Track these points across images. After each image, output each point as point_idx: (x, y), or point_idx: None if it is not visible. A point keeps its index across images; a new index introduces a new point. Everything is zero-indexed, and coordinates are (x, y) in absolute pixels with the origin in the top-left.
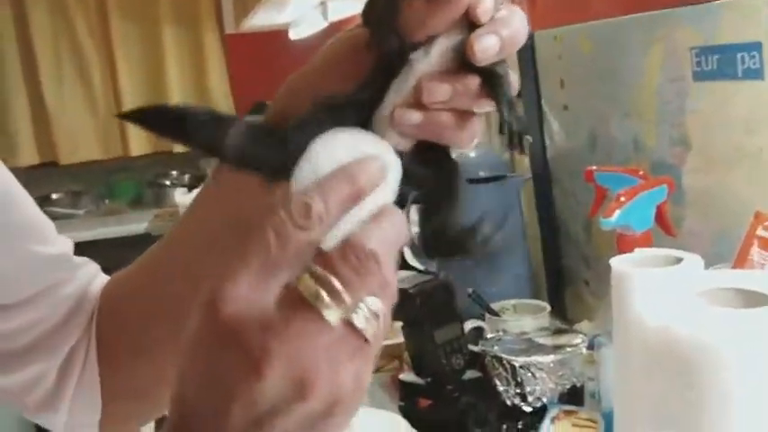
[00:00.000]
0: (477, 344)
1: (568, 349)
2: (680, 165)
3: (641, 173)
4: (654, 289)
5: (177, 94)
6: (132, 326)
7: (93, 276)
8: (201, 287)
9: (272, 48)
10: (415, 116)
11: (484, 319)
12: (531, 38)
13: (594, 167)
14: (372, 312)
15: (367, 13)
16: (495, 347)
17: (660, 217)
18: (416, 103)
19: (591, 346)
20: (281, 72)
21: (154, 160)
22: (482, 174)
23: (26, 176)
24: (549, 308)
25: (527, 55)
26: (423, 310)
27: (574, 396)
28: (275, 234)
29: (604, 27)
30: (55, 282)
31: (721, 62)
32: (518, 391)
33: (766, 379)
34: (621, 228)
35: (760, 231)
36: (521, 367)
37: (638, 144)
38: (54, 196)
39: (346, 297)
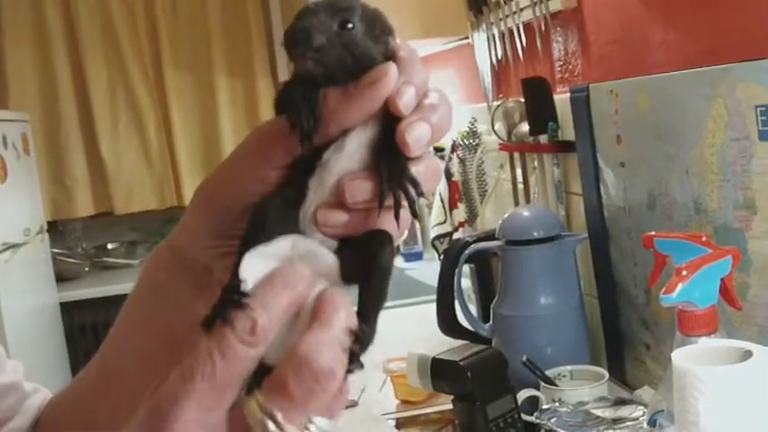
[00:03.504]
0: (532, 413)
1: (628, 423)
2: (745, 229)
3: (704, 239)
4: (720, 390)
5: (231, 143)
6: None
7: (41, 406)
8: (141, 410)
9: None
10: (339, 217)
11: (539, 388)
12: (586, 90)
13: (654, 233)
14: None
15: (281, 102)
16: (552, 420)
17: (725, 290)
18: (339, 202)
19: (652, 422)
20: None
21: None
22: (536, 234)
23: (83, 227)
24: (607, 375)
25: (582, 108)
26: (474, 384)
27: None
28: (220, 352)
29: (663, 81)
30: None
31: None
32: None
33: None
34: (683, 304)
35: None
36: None
37: (700, 206)
38: (110, 246)
39: (290, 427)
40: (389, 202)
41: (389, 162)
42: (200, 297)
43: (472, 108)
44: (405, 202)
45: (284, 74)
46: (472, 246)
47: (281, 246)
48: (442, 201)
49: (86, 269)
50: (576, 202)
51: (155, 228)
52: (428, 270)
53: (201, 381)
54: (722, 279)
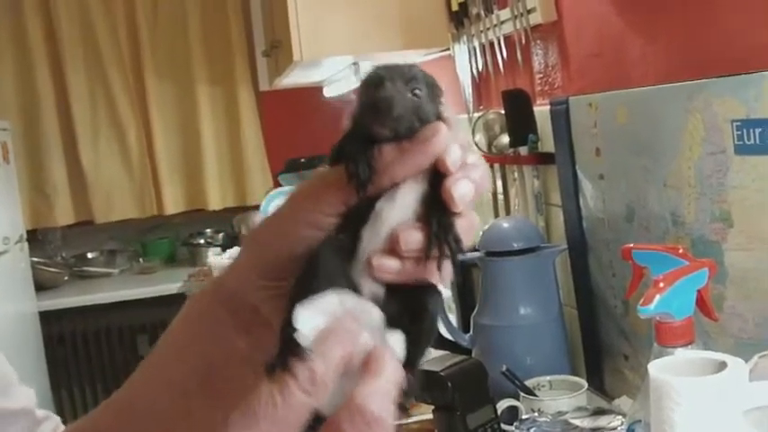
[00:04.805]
0: (511, 423)
1: None
2: (721, 242)
3: (681, 251)
4: (695, 401)
5: (212, 153)
6: None
7: None
8: None
9: (306, 105)
10: (392, 264)
11: (518, 398)
12: (566, 102)
13: (632, 245)
14: None
15: (340, 153)
16: (531, 430)
17: (701, 302)
18: (391, 250)
19: None
20: (314, 128)
21: (188, 219)
22: (516, 245)
23: (63, 236)
24: (586, 385)
25: (562, 121)
26: (454, 394)
27: None
28: (281, 397)
29: (641, 95)
30: None
31: (764, 136)
32: None
33: None
34: (660, 315)
35: None
36: None
37: (677, 218)
38: (90, 255)
39: None
40: (435, 253)
41: (438, 216)
42: (242, 334)
43: None
44: (449, 256)
45: (265, 83)
46: None
47: (330, 301)
48: None
49: (66, 278)
50: (555, 214)
51: (134, 237)
52: None
53: (264, 420)
54: (699, 291)
